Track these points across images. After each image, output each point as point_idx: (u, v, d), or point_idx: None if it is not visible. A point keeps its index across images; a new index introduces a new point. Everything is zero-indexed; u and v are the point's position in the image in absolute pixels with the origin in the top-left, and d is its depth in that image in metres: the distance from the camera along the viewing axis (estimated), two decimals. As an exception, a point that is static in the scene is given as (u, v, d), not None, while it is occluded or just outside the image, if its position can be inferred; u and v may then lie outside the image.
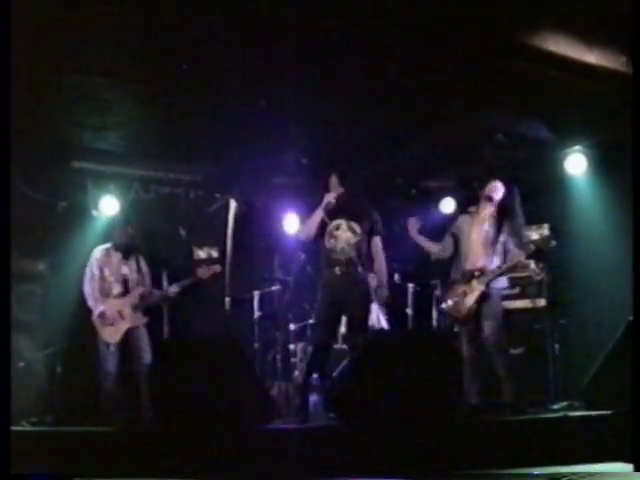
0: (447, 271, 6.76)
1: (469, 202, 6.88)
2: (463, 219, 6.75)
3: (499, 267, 6.44)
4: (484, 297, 6.42)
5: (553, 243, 6.39)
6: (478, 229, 6.59)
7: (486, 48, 6.20)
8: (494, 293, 6.50)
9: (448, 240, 6.75)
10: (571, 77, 6.61)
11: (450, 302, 6.60)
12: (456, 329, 6.61)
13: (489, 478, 4.50)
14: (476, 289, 6.42)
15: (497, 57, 6.38)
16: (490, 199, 6.56)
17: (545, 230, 6.47)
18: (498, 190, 6.60)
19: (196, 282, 7.45)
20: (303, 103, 6.78)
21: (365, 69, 6.55)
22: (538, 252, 6.46)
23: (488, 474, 4.49)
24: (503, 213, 6.62)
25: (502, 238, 6.51)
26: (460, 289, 6.52)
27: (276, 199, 9.66)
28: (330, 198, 6.29)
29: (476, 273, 6.46)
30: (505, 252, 6.48)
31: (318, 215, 6.31)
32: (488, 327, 6.36)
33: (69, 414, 7.43)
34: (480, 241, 6.55)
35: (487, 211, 6.59)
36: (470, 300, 6.43)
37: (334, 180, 6.39)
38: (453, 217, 7.14)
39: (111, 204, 8.61)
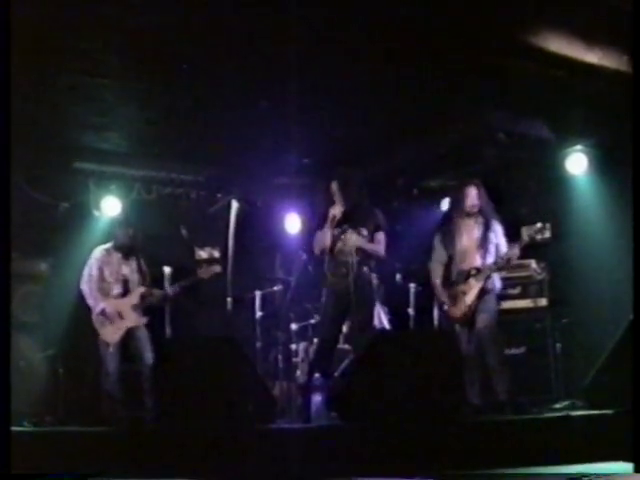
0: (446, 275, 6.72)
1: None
2: (449, 227, 6.74)
3: (495, 263, 6.45)
4: (482, 294, 6.41)
5: (547, 234, 6.37)
6: (469, 233, 6.61)
7: (487, 48, 6.20)
8: (491, 291, 6.49)
9: (439, 247, 6.75)
10: (572, 76, 6.62)
11: (449, 303, 6.57)
12: (457, 329, 6.56)
13: (491, 478, 4.50)
14: (474, 287, 6.42)
15: (498, 57, 6.39)
16: (472, 206, 6.60)
17: (538, 224, 6.44)
18: (474, 196, 6.62)
19: (196, 282, 7.46)
20: (305, 103, 6.78)
21: (366, 69, 6.55)
22: (532, 244, 6.45)
23: (490, 474, 4.49)
24: (487, 215, 6.63)
25: (493, 239, 6.55)
26: (459, 289, 6.51)
27: (278, 199, 9.67)
28: (335, 212, 6.33)
29: (472, 271, 6.46)
30: (498, 252, 6.51)
31: (327, 230, 6.36)
32: (482, 321, 6.36)
33: (70, 414, 7.44)
34: (472, 243, 6.57)
35: (472, 216, 6.62)
36: (469, 299, 6.42)
37: (334, 187, 6.42)
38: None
39: (113, 204, 8.62)
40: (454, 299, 6.53)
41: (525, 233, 6.43)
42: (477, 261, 6.51)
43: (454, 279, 6.57)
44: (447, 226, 6.77)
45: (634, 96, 4.89)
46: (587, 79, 6.64)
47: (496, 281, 6.58)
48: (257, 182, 9.21)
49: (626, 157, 5.28)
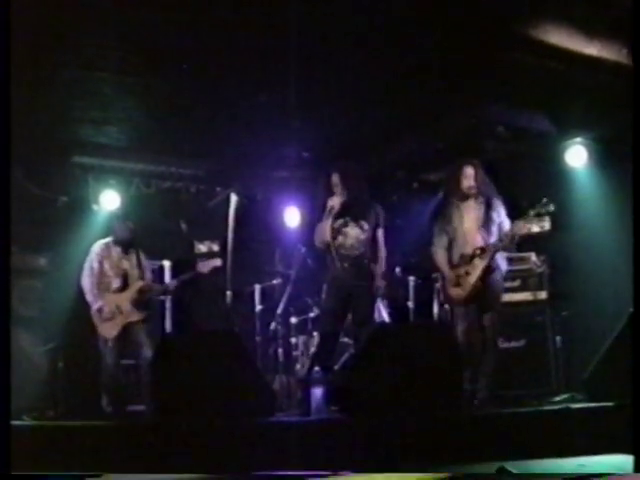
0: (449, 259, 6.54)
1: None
2: (449, 210, 6.52)
3: (500, 240, 6.24)
4: (487, 272, 6.22)
5: (551, 207, 6.22)
6: (469, 214, 6.41)
7: (487, 40, 6.19)
8: (496, 269, 6.31)
9: (441, 234, 6.53)
10: (572, 69, 6.61)
11: (452, 284, 6.36)
12: (459, 314, 6.37)
13: (492, 476, 4.50)
14: (479, 265, 6.22)
15: (498, 49, 6.38)
16: (469, 187, 6.40)
17: (543, 199, 6.30)
18: (471, 176, 6.40)
19: (196, 277, 7.45)
20: (304, 97, 6.78)
21: (365, 62, 6.55)
22: (538, 218, 6.25)
23: (491, 473, 4.48)
24: (487, 195, 6.43)
25: (496, 218, 6.35)
26: (462, 270, 6.30)
27: (277, 193, 9.66)
28: (333, 203, 6.34)
29: (477, 252, 6.25)
30: (501, 231, 6.31)
31: (327, 222, 6.37)
32: (487, 320, 6.23)
33: (70, 408, 7.44)
34: (474, 225, 6.36)
35: (471, 197, 6.42)
36: (473, 278, 6.23)
37: (335, 179, 6.43)
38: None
39: (112, 199, 8.62)
40: (458, 280, 6.33)
41: (531, 210, 6.25)
42: (480, 242, 6.29)
43: (457, 262, 6.37)
44: (446, 210, 6.54)
45: (634, 89, 4.89)
46: (587, 72, 6.63)
47: (500, 260, 6.36)
48: (256, 176, 9.22)
49: (626, 150, 5.29)
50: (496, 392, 6.33)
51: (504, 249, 6.37)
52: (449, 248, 6.46)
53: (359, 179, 6.54)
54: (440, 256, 6.49)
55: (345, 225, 6.39)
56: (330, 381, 6.48)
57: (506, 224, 6.37)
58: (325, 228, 6.37)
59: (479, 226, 6.35)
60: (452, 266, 6.42)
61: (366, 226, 6.39)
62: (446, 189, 6.67)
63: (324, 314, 6.61)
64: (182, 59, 6.36)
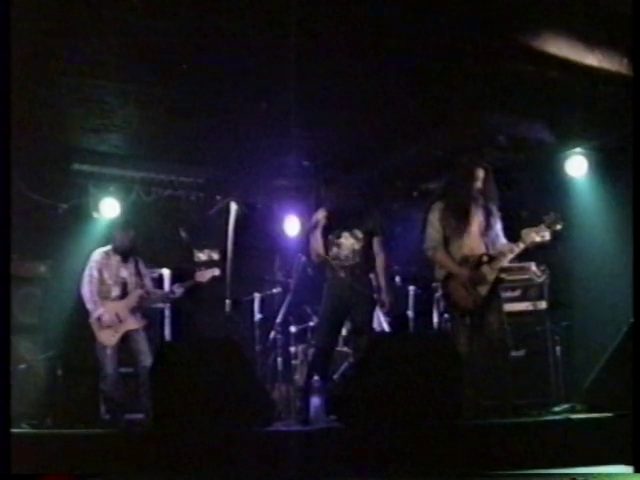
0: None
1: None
2: (450, 210, 6.22)
3: (511, 250, 6.04)
4: (496, 284, 6.07)
5: (547, 236, 6.14)
6: (471, 217, 6.20)
7: (487, 50, 6.20)
8: (502, 282, 6.19)
9: (436, 226, 6.24)
10: (573, 79, 6.62)
11: (457, 291, 6.12)
12: (459, 323, 6.23)
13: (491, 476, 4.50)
14: (489, 275, 6.04)
15: (498, 59, 6.39)
16: (477, 190, 6.20)
17: (552, 213, 6.17)
18: (481, 179, 6.20)
19: (195, 286, 7.45)
20: (304, 105, 6.79)
21: (366, 71, 6.55)
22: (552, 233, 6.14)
23: (491, 475, 4.48)
24: (489, 201, 6.26)
25: (494, 226, 6.20)
26: (469, 277, 6.07)
27: (277, 201, 9.68)
28: (319, 216, 6.34)
29: (484, 258, 6.07)
30: (498, 239, 6.19)
31: (317, 235, 6.37)
32: (494, 319, 6.03)
33: (70, 416, 7.43)
34: (476, 230, 6.19)
35: (474, 200, 6.21)
36: (483, 289, 6.03)
37: (323, 191, 6.44)
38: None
39: (112, 206, 8.63)
40: (462, 287, 6.09)
41: (543, 224, 6.11)
42: (483, 249, 6.14)
43: (460, 264, 6.13)
44: (446, 206, 6.24)
45: (634, 99, 4.90)
46: (587, 81, 6.64)
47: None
48: (256, 184, 9.23)
49: (626, 160, 5.29)
50: (497, 402, 6.30)
51: (517, 257, 6.22)
52: (445, 247, 6.21)
53: (349, 189, 6.53)
54: (441, 254, 6.20)
55: (339, 236, 6.38)
56: (329, 390, 6.48)
57: (501, 235, 6.25)
58: (317, 241, 6.38)
59: (481, 231, 6.20)
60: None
61: (360, 235, 6.35)
62: (452, 188, 6.38)
63: (321, 323, 6.60)
64: (183, 66, 6.36)
